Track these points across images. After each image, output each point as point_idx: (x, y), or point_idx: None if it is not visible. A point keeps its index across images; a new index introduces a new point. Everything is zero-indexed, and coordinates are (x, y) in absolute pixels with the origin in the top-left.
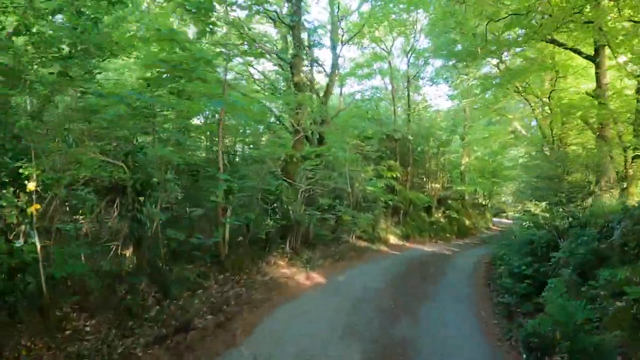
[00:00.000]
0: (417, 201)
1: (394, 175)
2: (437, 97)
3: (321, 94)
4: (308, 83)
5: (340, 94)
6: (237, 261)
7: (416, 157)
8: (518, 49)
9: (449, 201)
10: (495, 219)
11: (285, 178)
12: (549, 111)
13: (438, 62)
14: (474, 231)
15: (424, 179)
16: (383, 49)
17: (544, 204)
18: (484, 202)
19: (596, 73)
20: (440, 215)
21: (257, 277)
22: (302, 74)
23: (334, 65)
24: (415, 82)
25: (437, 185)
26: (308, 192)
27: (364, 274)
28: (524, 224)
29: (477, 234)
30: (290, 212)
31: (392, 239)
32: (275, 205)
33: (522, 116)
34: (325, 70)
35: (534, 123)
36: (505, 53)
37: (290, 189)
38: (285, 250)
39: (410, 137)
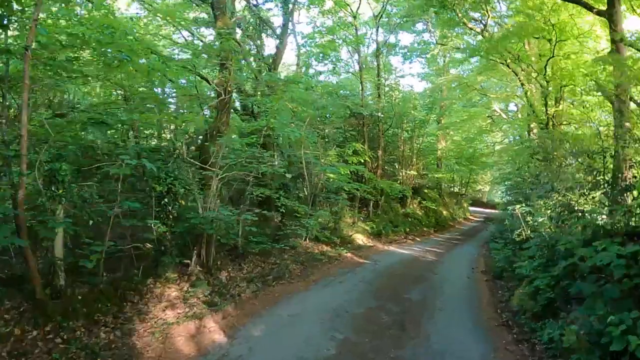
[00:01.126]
0: (390, 191)
1: (362, 161)
2: (409, 76)
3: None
4: (251, 44)
5: (298, 64)
6: (83, 300)
7: (388, 140)
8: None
9: (425, 190)
10: (472, 208)
11: (201, 163)
12: (543, 83)
13: (410, 37)
14: (452, 223)
15: (397, 166)
16: (349, 13)
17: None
18: (461, 191)
19: (611, 29)
20: (415, 206)
21: (113, 335)
22: (229, 18)
23: (285, 26)
24: (387, 55)
25: (413, 173)
26: (235, 181)
27: (299, 320)
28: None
29: (456, 225)
30: (200, 210)
31: (360, 239)
32: (165, 201)
33: (506, 95)
34: (274, 32)
35: (512, 108)
36: (491, 21)
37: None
38: (189, 271)
39: (380, 114)
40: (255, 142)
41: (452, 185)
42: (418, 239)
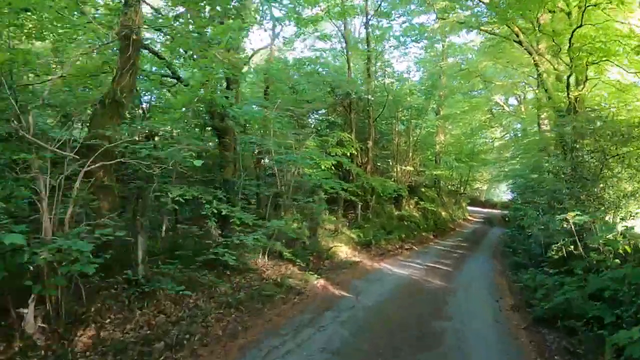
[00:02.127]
0: (382, 190)
1: (348, 154)
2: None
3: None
4: None
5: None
6: None
7: (380, 131)
8: None
9: (422, 189)
10: (470, 208)
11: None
12: (566, 60)
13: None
14: (452, 225)
15: (391, 162)
16: None
17: None
18: (459, 189)
19: None
20: (412, 207)
21: None
22: None
23: None
24: (378, 25)
25: (409, 169)
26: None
27: None
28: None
29: (456, 228)
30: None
31: (344, 252)
32: None
33: (512, 84)
34: None
35: (512, 102)
36: None
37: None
38: (22, 327)
39: (370, 97)
40: (182, 118)
41: (450, 183)
42: (416, 248)
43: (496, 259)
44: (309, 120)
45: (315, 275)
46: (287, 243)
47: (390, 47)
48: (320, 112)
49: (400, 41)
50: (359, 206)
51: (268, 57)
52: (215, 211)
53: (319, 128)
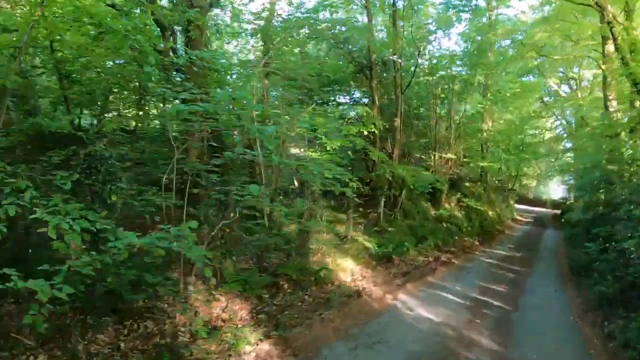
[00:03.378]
0: (414, 182)
1: (366, 132)
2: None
3: None
4: None
5: None
6: None
7: (416, 114)
8: None
9: (466, 184)
10: (517, 206)
11: None
12: None
13: None
14: (500, 227)
15: (430, 150)
16: None
17: None
18: (508, 185)
19: None
20: (453, 205)
21: None
22: None
23: None
24: None
25: (451, 156)
26: None
27: None
28: None
29: (505, 231)
30: None
31: (349, 271)
32: None
33: (574, 57)
34: None
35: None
36: None
37: None
38: None
39: (398, 59)
40: None
41: (498, 178)
42: (456, 261)
43: (569, 283)
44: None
45: (257, 334)
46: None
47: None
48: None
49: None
50: (382, 203)
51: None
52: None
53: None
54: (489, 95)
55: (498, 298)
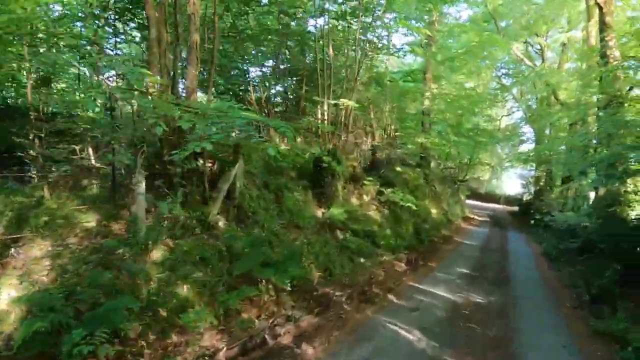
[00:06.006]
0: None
1: None
2: None
3: None
4: None
5: None
6: None
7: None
8: None
9: (397, 168)
10: (468, 202)
11: None
12: None
13: None
14: (448, 231)
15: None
16: None
17: None
18: (458, 175)
19: None
20: (368, 199)
21: None
22: None
23: None
24: None
25: (349, 103)
26: None
27: None
28: None
29: (454, 236)
30: None
31: None
32: None
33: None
34: None
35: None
36: None
37: None
38: None
39: None
40: None
41: (446, 165)
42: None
43: None
44: None
45: None
46: None
47: None
48: None
49: None
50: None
51: None
52: None
53: None
54: (433, 47)
55: None
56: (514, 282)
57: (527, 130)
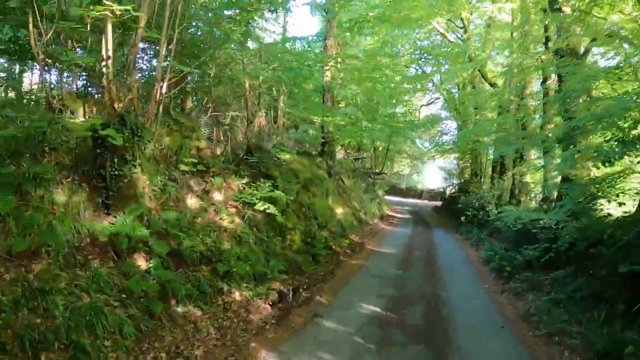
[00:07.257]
0: None
1: None
2: None
3: None
4: None
5: None
6: None
7: None
8: None
9: (286, 155)
10: (387, 197)
11: None
12: None
13: None
14: (357, 237)
15: None
16: None
17: None
18: (374, 168)
19: None
20: (224, 198)
21: None
22: None
23: None
24: None
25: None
26: None
27: None
28: None
29: (366, 244)
30: None
31: None
32: None
33: None
34: None
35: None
36: None
37: None
38: None
39: None
40: None
41: (357, 155)
42: None
43: None
44: None
45: None
46: None
47: None
48: None
49: None
50: None
51: None
52: None
53: None
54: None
55: None
56: (457, 338)
57: (448, 124)
